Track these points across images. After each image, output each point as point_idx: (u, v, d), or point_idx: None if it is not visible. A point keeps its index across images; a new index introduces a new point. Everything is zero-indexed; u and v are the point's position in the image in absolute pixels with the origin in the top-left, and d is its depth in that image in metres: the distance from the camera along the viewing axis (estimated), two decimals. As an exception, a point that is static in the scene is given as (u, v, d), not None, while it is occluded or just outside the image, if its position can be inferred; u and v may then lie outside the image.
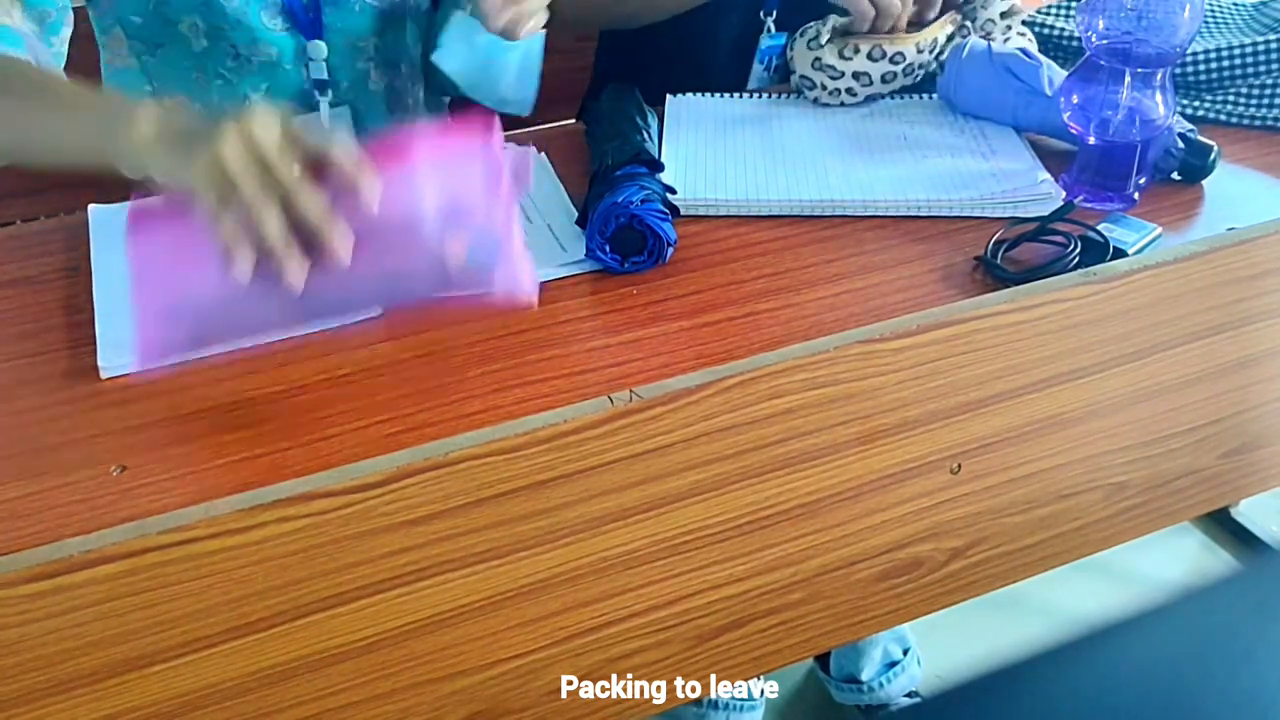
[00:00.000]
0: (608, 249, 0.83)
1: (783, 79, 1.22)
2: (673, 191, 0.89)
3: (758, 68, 1.20)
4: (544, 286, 0.83)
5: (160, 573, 0.58)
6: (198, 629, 0.61)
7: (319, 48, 1.02)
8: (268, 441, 0.67)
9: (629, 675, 0.76)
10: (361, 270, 0.64)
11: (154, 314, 0.66)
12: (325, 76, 1.04)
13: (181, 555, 0.58)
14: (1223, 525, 1.70)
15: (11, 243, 0.90)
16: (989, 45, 1.03)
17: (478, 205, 0.67)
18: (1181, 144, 0.94)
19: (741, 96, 1.12)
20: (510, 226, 0.68)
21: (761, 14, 1.17)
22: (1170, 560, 1.64)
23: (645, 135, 0.95)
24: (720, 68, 1.11)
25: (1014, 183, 0.94)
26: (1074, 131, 0.93)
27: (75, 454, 0.67)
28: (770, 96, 1.11)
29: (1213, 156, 0.94)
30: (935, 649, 1.46)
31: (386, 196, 0.64)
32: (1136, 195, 0.92)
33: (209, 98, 1.04)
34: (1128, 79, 0.89)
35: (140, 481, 0.65)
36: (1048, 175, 0.94)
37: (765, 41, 1.19)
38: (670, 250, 0.84)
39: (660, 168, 0.90)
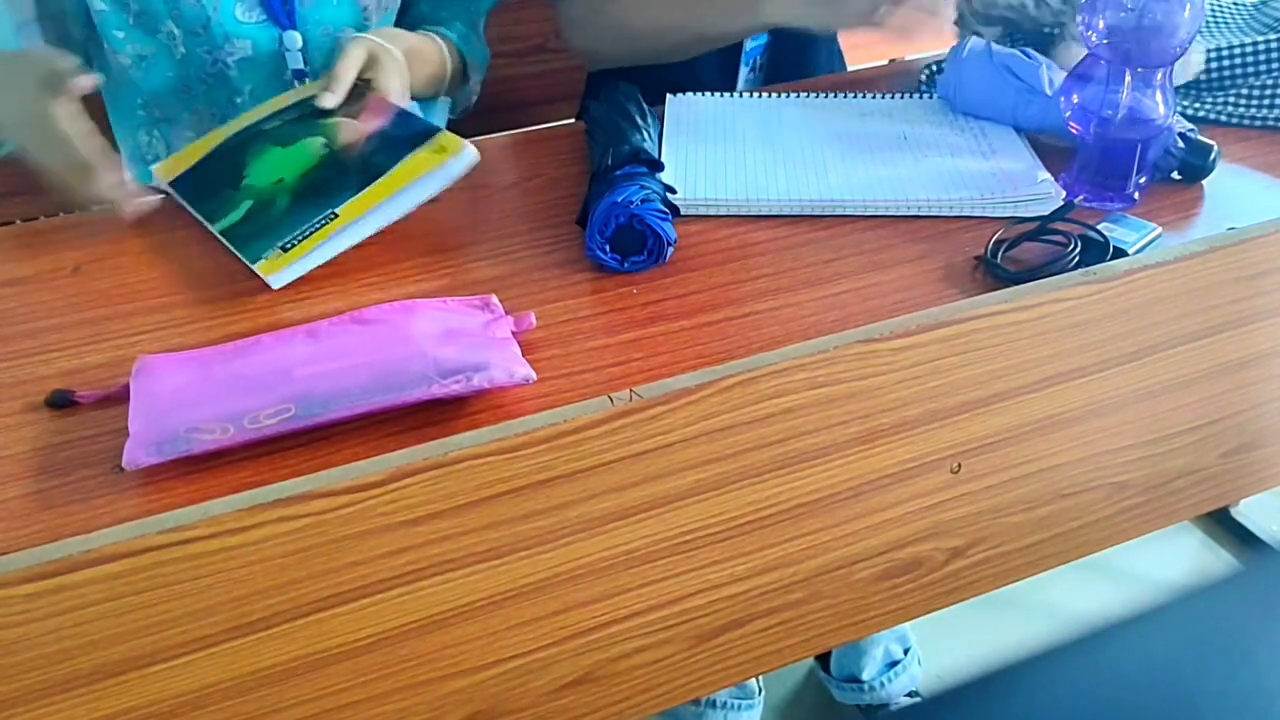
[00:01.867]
0: (608, 249, 0.83)
1: (768, 79, 1.22)
2: (673, 191, 0.89)
3: (744, 70, 1.20)
4: (544, 287, 0.83)
5: (160, 573, 0.58)
6: (197, 629, 0.61)
7: (294, 38, 1.04)
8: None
9: (629, 675, 0.76)
10: (354, 364, 0.70)
11: (150, 419, 0.67)
12: (302, 66, 1.06)
13: (181, 555, 0.58)
14: (1223, 525, 1.70)
15: (11, 243, 0.90)
16: (989, 45, 1.03)
17: (473, 331, 0.74)
18: (1181, 144, 0.94)
19: (741, 96, 1.12)
20: (505, 341, 0.74)
21: None
22: (1170, 560, 1.64)
23: (645, 135, 0.95)
24: (707, 70, 1.12)
25: (1014, 182, 0.94)
26: (1074, 131, 0.93)
27: (75, 454, 0.67)
28: (770, 96, 1.11)
29: (1213, 156, 0.94)
30: (935, 649, 1.46)
31: (385, 322, 0.74)
32: (1136, 195, 0.92)
33: (197, 104, 1.06)
34: (1128, 79, 0.89)
35: (140, 481, 0.65)
36: (1048, 175, 0.94)
37: (749, 43, 1.19)
38: (670, 250, 0.84)
39: (660, 167, 0.90)
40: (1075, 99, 0.91)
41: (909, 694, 1.41)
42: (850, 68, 1.31)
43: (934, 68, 1.14)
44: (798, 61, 1.25)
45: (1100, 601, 1.56)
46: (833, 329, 0.76)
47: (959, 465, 0.79)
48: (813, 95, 1.12)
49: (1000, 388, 0.77)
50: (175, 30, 1.01)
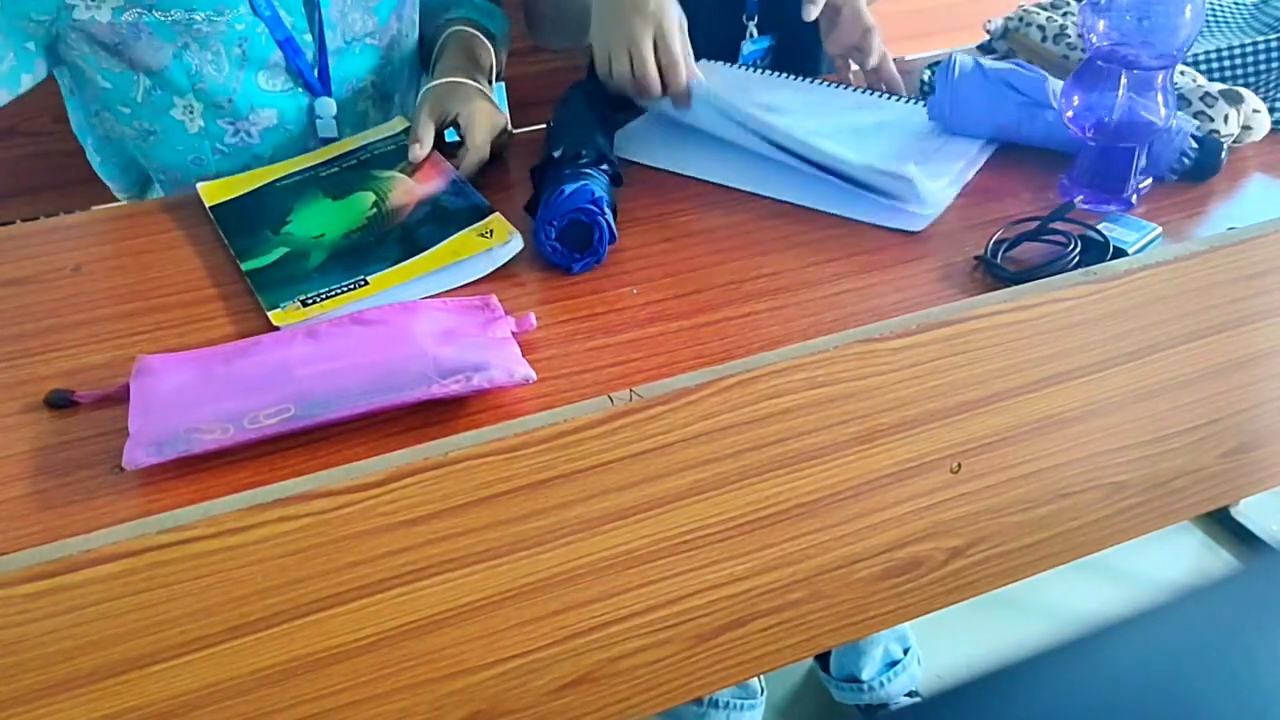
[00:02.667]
0: (576, 257, 0.83)
1: None
2: (610, 162, 0.88)
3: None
4: (544, 287, 0.83)
5: (160, 573, 0.58)
6: (197, 629, 0.61)
7: (327, 105, 1.00)
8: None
9: (629, 675, 0.76)
10: (354, 363, 0.71)
11: (150, 419, 0.67)
12: (335, 135, 1.01)
13: (181, 555, 0.58)
14: (1223, 525, 1.70)
15: (11, 243, 0.90)
16: (977, 61, 1.02)
17: (472, 331, 0.74)
18: (1195, 145, 0.94)
19: (731, 67, 1.12)
20: (505, 341, 0.74)
21: (744, 18, 1.17)
22: (1170, 560, 1.64)
23: (563, 135, 0.94)
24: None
25: (896, 191, 0.91)
26: (1074, 133, 0.92)
27: (75, 454, 0.67)
28: (768, 74, 1.11)
29: (1223, 153, 0.94)
30: (935, 649, 1.46)
31: (385, 322, 0.74)
32: (1134, 199, 0.92)
33: (208, 174, 1.01)
34: (1124, 81, 0.88)
35: (140, 481, 0.65)
36: (934, 189, 0.91)
37: (748, 46, 1.18)
38: (611, 214, 0.84)
39: (579, 157, 0.88)
40: (1076, 101, 0.91)
41: (909, 694, 1.41)
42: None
43: (935, 69, 1.13)
44: (801, 65, 1.25)
45: (1100, 601, 1.56)
46: (832, 329, 0.76)
47: (959, 465, 0.79)
48: (816, 82, 1.11)
49: (1000, 388, 0.77)
50: (194, 104, 0.96)
